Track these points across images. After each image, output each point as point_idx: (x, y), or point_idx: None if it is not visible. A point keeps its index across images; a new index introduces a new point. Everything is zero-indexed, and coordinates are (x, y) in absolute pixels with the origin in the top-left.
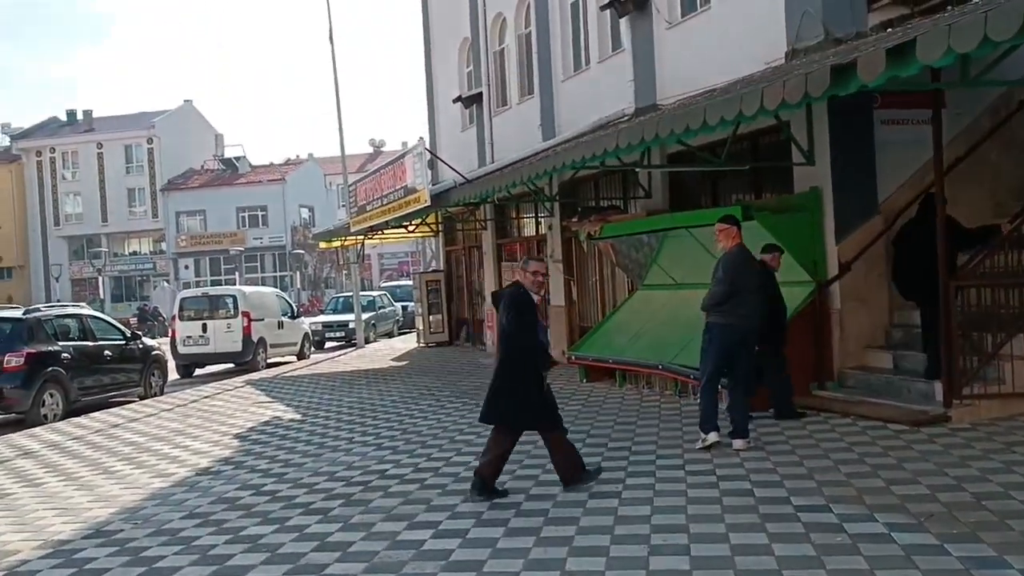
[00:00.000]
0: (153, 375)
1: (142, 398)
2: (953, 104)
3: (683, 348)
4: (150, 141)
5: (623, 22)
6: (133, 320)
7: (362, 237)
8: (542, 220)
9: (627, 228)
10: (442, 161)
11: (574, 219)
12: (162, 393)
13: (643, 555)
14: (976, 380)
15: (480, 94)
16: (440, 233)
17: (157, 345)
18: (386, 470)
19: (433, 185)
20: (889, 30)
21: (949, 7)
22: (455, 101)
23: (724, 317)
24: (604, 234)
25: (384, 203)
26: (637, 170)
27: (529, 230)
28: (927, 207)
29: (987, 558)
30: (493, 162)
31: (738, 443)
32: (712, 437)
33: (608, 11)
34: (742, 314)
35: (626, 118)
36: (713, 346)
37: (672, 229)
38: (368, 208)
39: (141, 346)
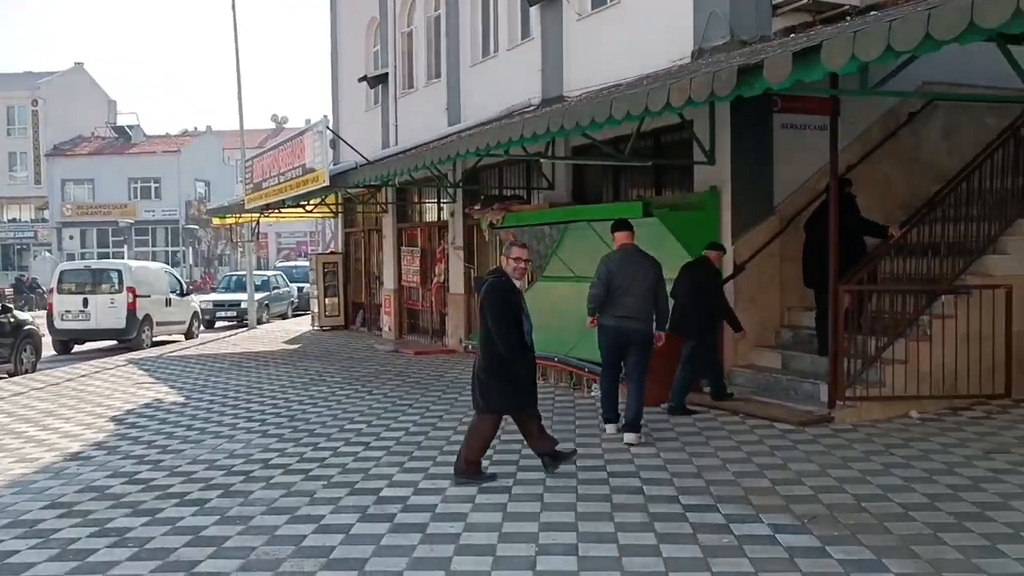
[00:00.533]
0: (24, 351)
1: (11, 375)
2: (847, 113)
3: (580, 341)
4: (35, 103)
5: (533, 11)
6: (8, 291)
7: (258, 215)
8: (444, 206)
9: (529, 219)
10: (343, 141)
11: (476, 207)
12: (34, 370)
13: (531, 555)
14: (859, 382)
15: (386, 75)
16: (340, 214)
17: (31, 319)
18: (270, 459)
19: (334, 165)
20: (792, 35)
21: (848, 17)
22: (360, 80)
23: (601, 317)
24: (506, 223)
25: (281, 181)
26: (541, 161)
27: (431, 216)
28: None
29: (866, 561)
30: (397, 145)
31: (628, 437)
32: (609, 429)
33: None
34: (619, 315)
35: (532, 108)
36: (600, 343)
37: (573, 222)
38: (264, 185)
39: (12, 319)
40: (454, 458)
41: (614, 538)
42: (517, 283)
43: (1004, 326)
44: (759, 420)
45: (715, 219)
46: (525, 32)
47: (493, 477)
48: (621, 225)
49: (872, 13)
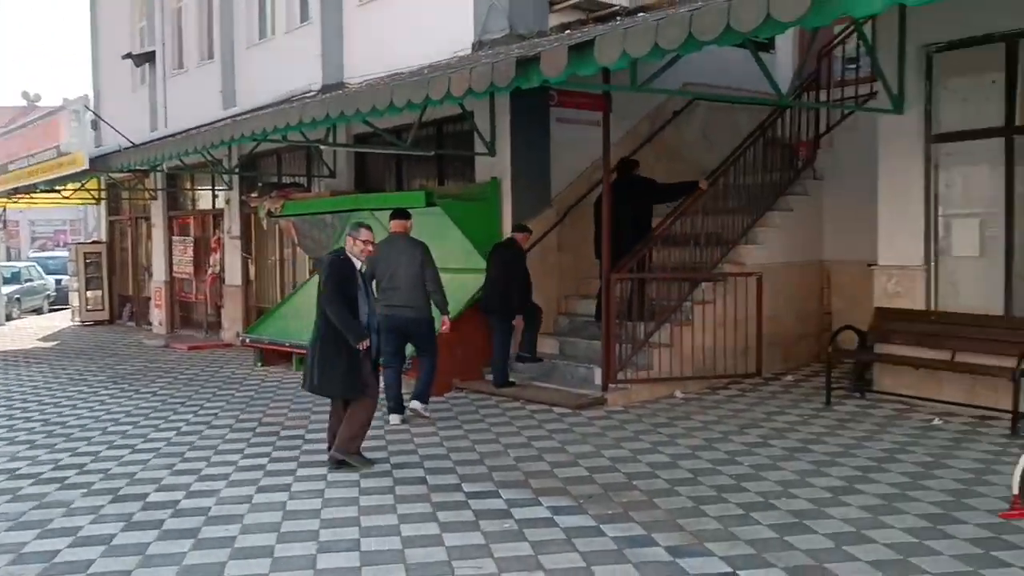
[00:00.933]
0: None
1: None
2: (618, 110)
3: None
4: None
5: None
6: None
7: (4, 200)
8: (220, 193)
9: (310, 207)
10: (104, 122)
11: (253, 194)
12: None
13: (311, 553)
14: (630, 366)
15: (153, 53)
16: (103, 201)
17: None
18: (17, 469)
19: (96, 147)
20: (568, 32)
21: (619, 17)
22: (125, 58)
23: (379, 307)
24: (286, 211)
25: (31, 164)
26: (322, 148)
27: (205, 203)
28: (625, 168)
29: (637, 536)
30: (167, 127)
31: (415, 404)
32: (393, 420)
33: None
34: (390, 305)
35: (312, 93)
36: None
37: (356, 211)
38: (11, 168)
39: None
40: (230, 456)
41: (397, 530)
42: (358, 264)
43: (756, 310)
44: (538, 405)
45: (496, 209)
46: (304, 15)
47: (372, 462)
48: (397, 214)
49: (640, 14)
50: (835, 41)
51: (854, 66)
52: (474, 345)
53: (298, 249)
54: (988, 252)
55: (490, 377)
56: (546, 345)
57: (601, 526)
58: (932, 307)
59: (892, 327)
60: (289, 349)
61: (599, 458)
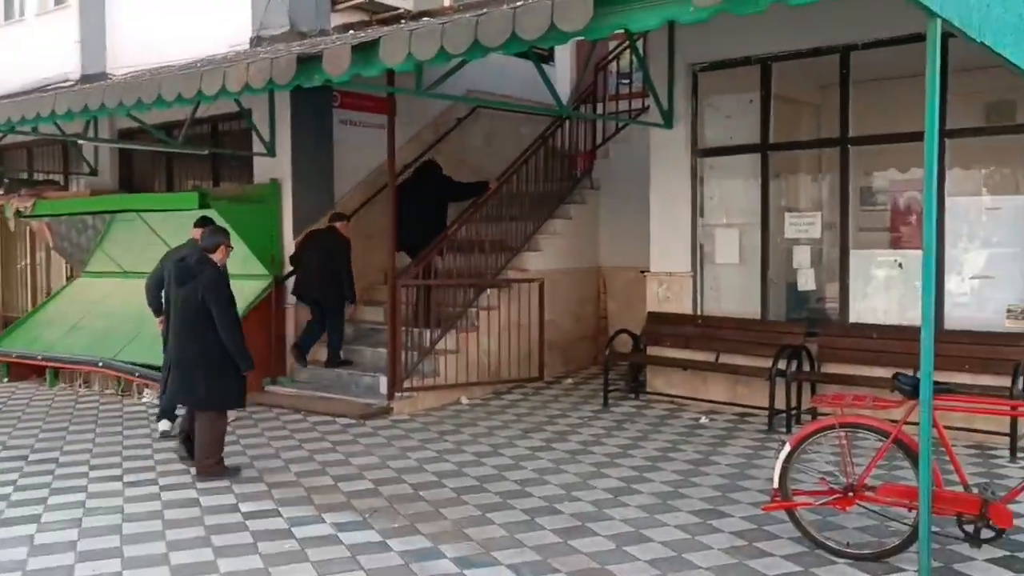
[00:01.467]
0: None
1: None
2: (403, 114)
3: (129, 342)
4: None
5: None
6: None
7: None
8: None
9: (67, 207)
10: None
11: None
12: None
13: None
14: (416, 373)
15: None
16: None
17: None
18: None
19: None
20: (351, 32)
21: (403, 20)
22: None
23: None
24: (38, 211)
25: None
26: (81, 143)
27: None
28: (423, 168)
29: (424, 550)
30: None
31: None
32: (162, 426)
33: None
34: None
35: (70, 83)
36: None
37: (121, 212)
38: None
39: None
40: None
41: (166, 559)
42: None
43: (539, 316)
44: (321, 416)
45: (276, 212)
46: None
47: (237, 471)
48: (201, 221)
49: (425, 19)
50: (610, 56)
51: (627, 81)
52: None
53: (54, 253)
54: (747, 260)
55: (272, 388)
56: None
57: (387, 541)
58: (699, 312)
59: (663, 331)
60: (42, 363)
61: (385, 469)
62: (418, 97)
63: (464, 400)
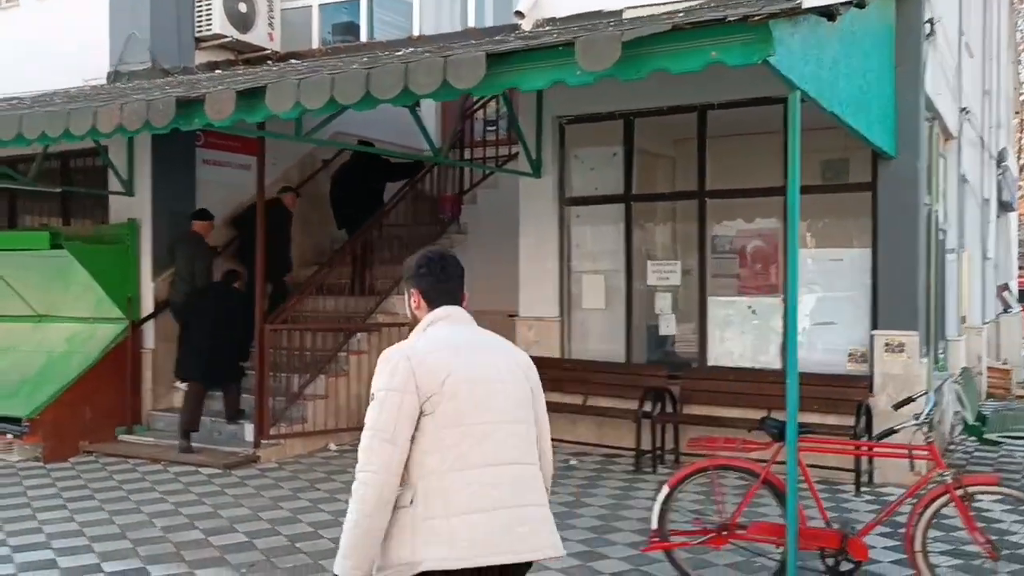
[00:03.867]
0: None
1: None
2: (269, 155)
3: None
4: None
5: None
6: None
7: None
8: None
9: None
10: None
11: None
12: None
13: None
14: (283, 419)
15: None
16: None
17: None
18: None
19: None
20: (218, 71)
21: (270, 61)
22: None
23: None
24: None
25: None
26: None
27: None
28: (358, 157)
29: None
30: None
31: None
32: None
33: None
34: None
35: None
36: None
37: None
38: None
39: None
40: None
41: None
42: None
43: None
44: (183, 466)
45: (134, 253)
46: None
47: None
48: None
49: (293, 60)
50: (477, 104)
51: (493, 127)
52: (107, 401)
53: None
54: (612, 305)
55: (126, 437)
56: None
57: None
58: (566, 355)
59: None
60: None
61: (257, 521)
62: (293, 142)
63: (332, 446)
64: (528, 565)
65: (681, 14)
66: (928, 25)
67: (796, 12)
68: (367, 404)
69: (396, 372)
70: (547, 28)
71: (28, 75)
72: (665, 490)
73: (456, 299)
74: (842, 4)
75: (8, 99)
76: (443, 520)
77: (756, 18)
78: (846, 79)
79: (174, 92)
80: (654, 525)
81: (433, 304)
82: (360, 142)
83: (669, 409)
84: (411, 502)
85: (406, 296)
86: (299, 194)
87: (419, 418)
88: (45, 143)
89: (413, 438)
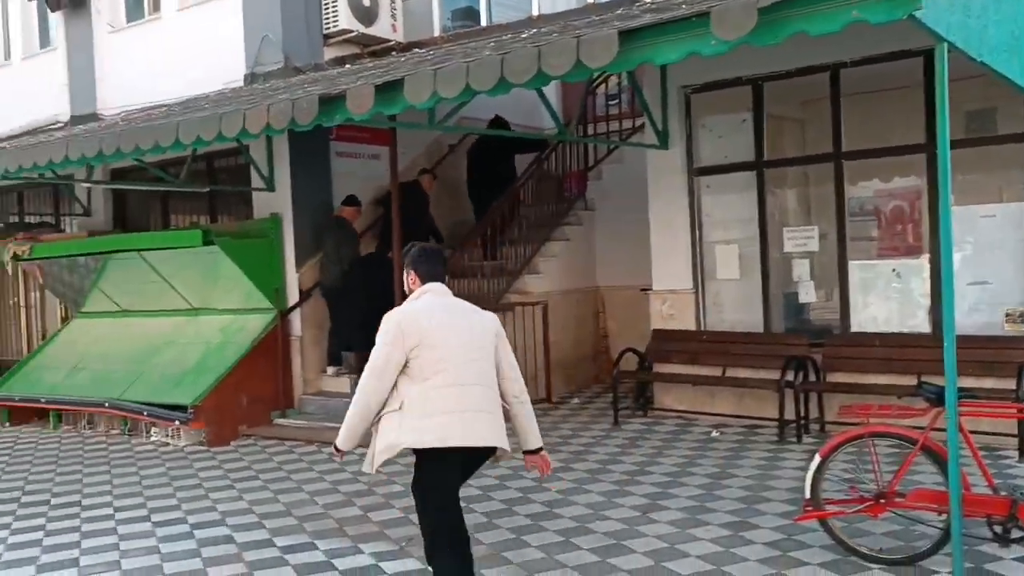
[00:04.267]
0: None
1: None
2: (398, 143)
3: (134, 381)
4: None
5: (56, 17)
6: None
7: None
8: None
9: (65, 249)
10: None
11: None
12: None
13: None
14: None
15: None
16: None
17: None
18: None
19: None
20: (347, 65)
21: (394, 52)
22: None
23: None
24: (35, 255)
25: None
26: (80, 185)
27: None
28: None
29: None
30: None
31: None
32: None
33: (36, 1)
34: None
35: (59, 125)
36: None
37: (120, 252)
38: None
39: None
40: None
41: None
42: None
43: (544, 338)
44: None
45: (278, 246)
46: (45, 41)
47: None
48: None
49: (416, 50)
50: (599, 79)
51: (616, 101)
52: (261, 388)
53: (47, 294)
54: (747, 274)
55: (280, 421)
56: (336, 384)
57: (428, 568)
58: (702, 327)
59: (668, 347)
60: (45, 405)
61: (409, 497)
62: (422, 130)
63: None
64: (484, 454)
65: None
66: None
67: None
68: None
69: (388, 332)
70: None
71: (171, 82)
72: (817, 459)
73: (440, 278)
74: None
75: (156, 106)
76: (419, 419)
77: None
78: (996, 25)
79: (315, 90)
80: (807, 495)
81: (423, 281)
82: (495, 120)
83: (812, 378)
84: (399, 408)
85: (405, 275)
86: (435, 176)
87: (407, 360)
88: (197, 147)
89: (404, 369)
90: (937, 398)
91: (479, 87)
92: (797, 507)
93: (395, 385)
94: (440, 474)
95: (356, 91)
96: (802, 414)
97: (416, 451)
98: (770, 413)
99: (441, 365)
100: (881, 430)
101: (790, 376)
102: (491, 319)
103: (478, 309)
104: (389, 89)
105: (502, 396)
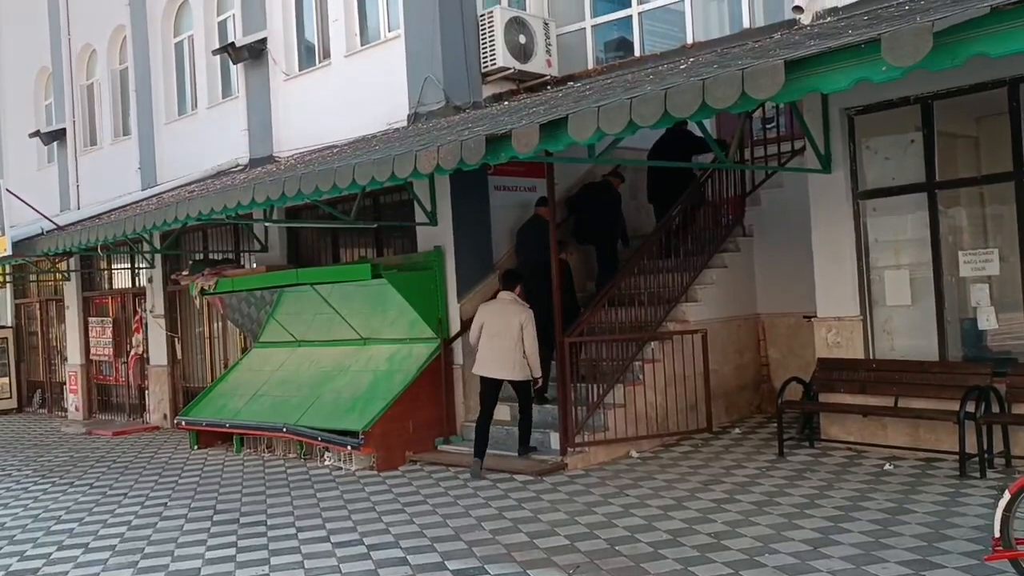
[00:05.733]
0: None
1: None
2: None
3: (308, 408)
4: None
5: (237, 68)
6: None
7: None
8: (141, 271)
9: (247, 283)
10: (27, 204)
11: (184, 272)
12: None
13: None
14: (586, 428)
15: (63, 130)
16: (7, 284)
17: None
18: None
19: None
20: (504, 103)
21: (548, 87)
22: (32, 136)
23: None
24: (220, 289)
25: None
26: (260, 224)
27: (123, 282)
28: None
29: None
30: (79, 206)
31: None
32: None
33: (220, 55)
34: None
35: (240, 168)
36: None
37: (296, 285)
38: None
39: None
40: (194, 549)
41: None
42: None
43: (703, 366)
44: (500, 473)
45: (441, 278)
46: (228, 90)
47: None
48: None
49: (569, 84)
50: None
51: (773, 125)
52: (426, 415)
53: (229, 325)
54: (919, 300)
55: (445, 447)
56: (499, 411)
57: None
58: (871, 356)
59: (835, 377)
60: (229, 430)
61: (574, 525)
62: (584, 164)
63: (634, 453)
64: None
65: None
66: None
67: None
68: (664, 412)
69: (475, 320)
70: (829, 20)
71: (340, 124)
72: (1007, 496)
73: (510, 288)
74: None
75: (326, 147)
76: (478, 359)
77: None
78: None
79: (481, 130)
80: (996, 533)
81: (502, 289)
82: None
83: (995, 409)
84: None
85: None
86: (623, 178)
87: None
88: (372, 187)
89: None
90: None
91: (643, 122)
92: (984, 546)
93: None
94: (482, 387)
95: (522, 130)
96: (985, 447)
97: None
98: (948, 446)
99: (487, 335)
100: None
101: (971, 407)
102: (517, 313)
103: (516, 310)
104: (554, 127)
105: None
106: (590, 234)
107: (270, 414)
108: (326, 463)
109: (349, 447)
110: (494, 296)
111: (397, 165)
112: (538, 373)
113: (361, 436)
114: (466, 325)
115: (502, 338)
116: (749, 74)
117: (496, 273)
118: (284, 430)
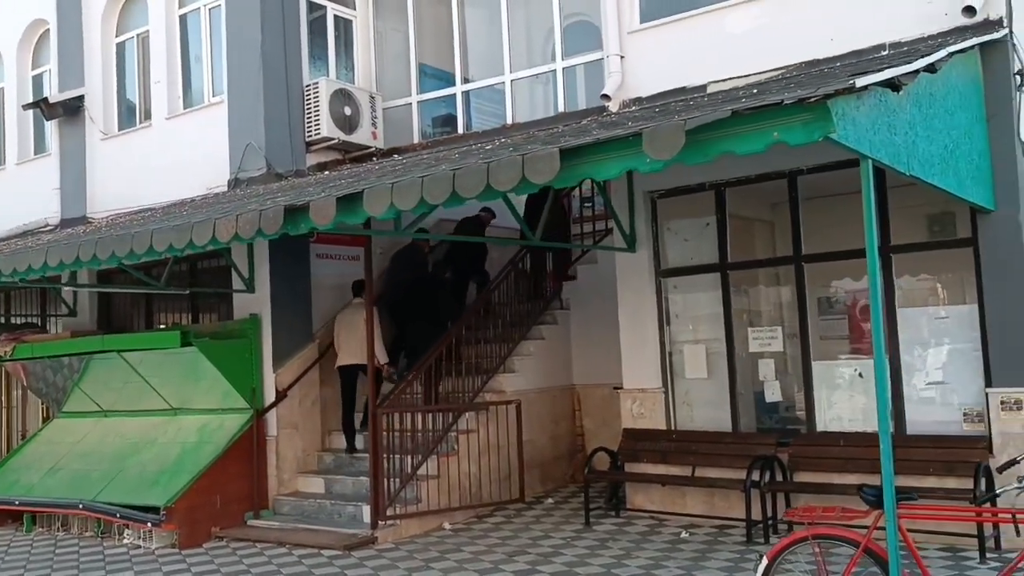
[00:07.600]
0: None
1: None
2: (375, 245)
3: (109, 482)
4: None
5: (50, 125)
6: None
7: None
8: None
9: (49, 349)
10: None
11: None
12: None
13: None
14: (398, 501)
15: None
16: None
17: None
18: None
19: None
20: (327, 172)
21: (374, 158)
22: None
23: None
24: (18, 355)
25: None
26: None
27: None
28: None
29: None
30: None
31: None
32: None
33: (32, 110)
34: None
35: (49, 228)
36: None
37: (102, 352)
38: None
39: None
40: None
41: None
42: None
43: (517, 437)
44: (307, 549)
45: (256, 347)
46: (40, 147)
47: None
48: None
49: (395, 156)
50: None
51: (589, 204)
52: (236, 488)
53: (28, 394)
54: (714, 373)
55: (254, 522)
56: (311, 484)
57: None
58: (672, 426)
59: (639, 447)
60: (19, 508)
61: None
62: (395, 236)
63: (447, 526)
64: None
65: (755, 90)
66: (1018, 77)
67: (852, 91)
68: (479, 482)
69: (335, 326)
70: (632, 109)
71: (160, 186)
72: (764, 562)
73: (359, 295)
74: (907, 74)
75: (143, 210)
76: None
77: (812, 100)
78: (926, 140)
79: (282, 200)
80: None
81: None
82: (482, 211)
83: (779, 477)
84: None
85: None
86: (494, 215)
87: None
88: (172, 253)
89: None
90: (876, 500)
91: (433, 201)
92: None
93: None
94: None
95: (319, 203)
96: (769, 514)
97: None
98: (739, 513)
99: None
100: (824, 532)
101: (756, 476)
102: (364, 312)
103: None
104: (350, 201)
105: None
106: (401, 305)
107: (67, 489)
108: (124, 541)
109: (149, 524)
110: (347, 305)
111: (196, 232)
112: (384, 359)
113: (163, 512)
114: (282, 395)
115: (354, 332)
116: (528, 159)
117: (315, 342)
118: (81, 507)
